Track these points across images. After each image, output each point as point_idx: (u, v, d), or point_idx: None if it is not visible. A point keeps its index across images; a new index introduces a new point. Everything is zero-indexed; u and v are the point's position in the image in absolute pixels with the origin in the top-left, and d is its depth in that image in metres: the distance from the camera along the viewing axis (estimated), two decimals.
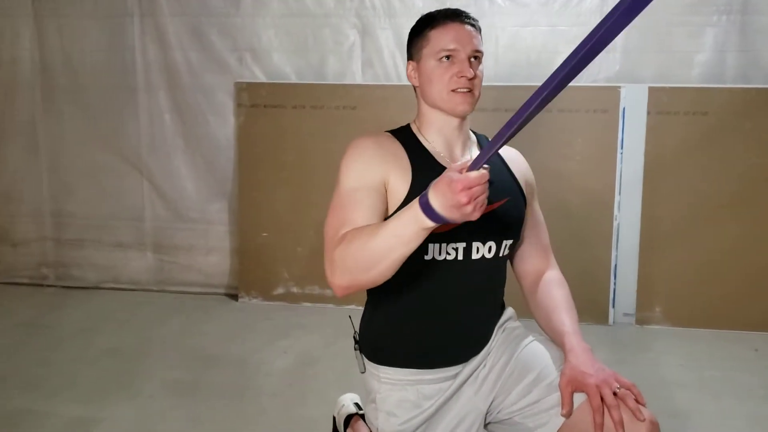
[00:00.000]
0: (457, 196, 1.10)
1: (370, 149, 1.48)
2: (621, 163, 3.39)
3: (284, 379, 2.82)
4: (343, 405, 1.93)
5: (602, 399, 1.31)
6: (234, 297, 3.86)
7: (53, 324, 3.51)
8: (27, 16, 3.83)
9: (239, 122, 3.68)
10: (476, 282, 1.52)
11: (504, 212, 1.50)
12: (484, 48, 1.50)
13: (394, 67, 3.58)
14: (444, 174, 1.14)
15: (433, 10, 1.52)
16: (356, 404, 1.76)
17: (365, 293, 1.60)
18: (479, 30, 1.50)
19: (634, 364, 3.03)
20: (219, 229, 3.91)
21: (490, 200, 1.46)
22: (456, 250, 1.46)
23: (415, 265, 1.43)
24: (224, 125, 3.76)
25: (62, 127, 3.94)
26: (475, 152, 1.55)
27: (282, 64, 3.68)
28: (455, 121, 1.51)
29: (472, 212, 1.13)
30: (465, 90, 1.45)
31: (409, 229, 1.19)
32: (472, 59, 1.46)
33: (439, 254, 1.45)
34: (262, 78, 3.67)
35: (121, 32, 3.77)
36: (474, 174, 1.10)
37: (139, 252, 4.03)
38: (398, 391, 1.52)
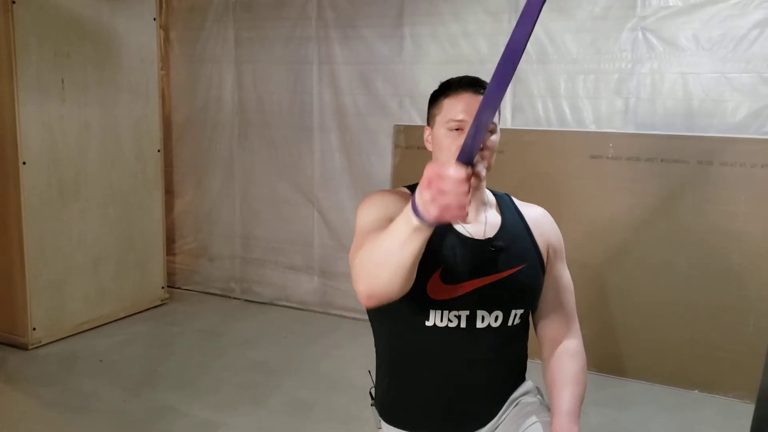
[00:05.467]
0: (427, 190, 1.02)
1: (386, 195, 1.50)
2: None
3: None
4: None
5: None
6: None
7: (226, 332, 4.00)
8: (230, 62, 4.41)
9: (395, 162, 3.89)
10: (482, 351, 1.48)
11: (515, 280, 1.47)
12: (499, 120, 1.48)
13: (545, 112, 3.54)
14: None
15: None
16: None
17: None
18: None
19: None
20: None
21: (502, 267, 1.46)
22: (459, 317, 1.43)
23: (416, 331, 1.46)
24: (383, 164, 4.00)
25: (253, 159, 4.47)
26: (490, 215, 1.53)
27: None
28: None
29: (444, 212, 1.02)
30: None
31: (401, 229, 1.12)
32: None
33: (441, 321, 1.44)
34: (418, 121, 3.85)
35: (303, 77, 4.19)
36: (451, 170, 1.00)
37: (308, 275, 4.41)
38: None
